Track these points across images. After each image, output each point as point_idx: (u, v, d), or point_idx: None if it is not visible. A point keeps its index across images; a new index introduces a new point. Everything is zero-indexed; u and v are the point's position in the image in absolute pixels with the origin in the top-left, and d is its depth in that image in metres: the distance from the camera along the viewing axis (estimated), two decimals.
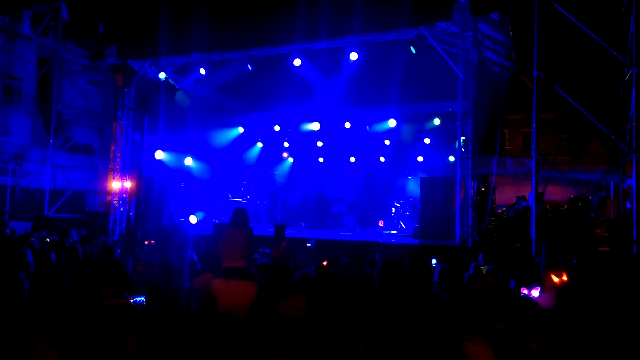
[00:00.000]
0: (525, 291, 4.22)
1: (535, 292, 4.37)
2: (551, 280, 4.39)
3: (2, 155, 16.29)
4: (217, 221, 14.91)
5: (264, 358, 3.52)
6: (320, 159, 20.43)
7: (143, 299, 4.61)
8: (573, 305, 3.55)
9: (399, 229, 16.61)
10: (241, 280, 5.45)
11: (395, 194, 18.06)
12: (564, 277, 4.42)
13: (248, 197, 18.43)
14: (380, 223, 17.00)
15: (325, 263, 6.97)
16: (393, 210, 17.41)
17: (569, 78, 12.03)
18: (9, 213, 15.75)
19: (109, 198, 16.19)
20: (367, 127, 18.20)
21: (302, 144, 20.03)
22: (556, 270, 4.48)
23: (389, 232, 16.15)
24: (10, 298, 3.77)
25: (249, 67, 14.02)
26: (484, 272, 6.18)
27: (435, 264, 5.52)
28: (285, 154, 20.81)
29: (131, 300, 4.60)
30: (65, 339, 2.75)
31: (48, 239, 9.65)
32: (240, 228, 6.19)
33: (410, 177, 18.17)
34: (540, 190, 10.44)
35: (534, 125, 10.14)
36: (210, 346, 3.58)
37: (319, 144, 19.81)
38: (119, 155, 14.97)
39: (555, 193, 13.83)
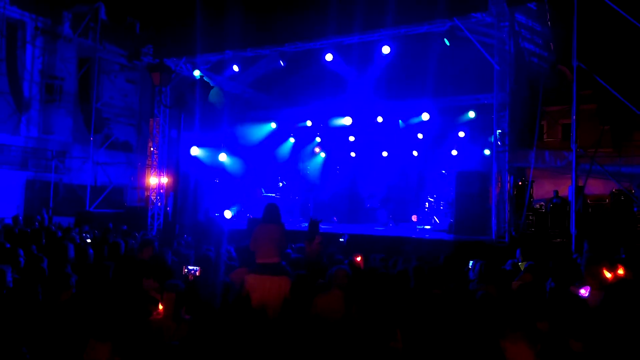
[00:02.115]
0: (583, 291, 4.07)
1: (583, 292, 4.22)
2: (601, 276, 4.22)
3: (46, 153, 16.93)
4: (251, 216, 15.10)
5: (299, 352, 3.56)
6: (353, 154, 20.39)
7: (196, 268, 4.78)
8: (620, 303, 3.43)
9: (433, 224, 16.43)
10: (274, 276, 5.51)
11: (428, 188, 17.87)
12: (620, 272, 4.24)
13: (279, 194, 18.57)
14: (414, 218, 16.86)
15: (359, 259, 6.96)
16: (427, 205, 17.23)
17: (610, 68, 11.60)
18: (52, 208, 16.37)
19: (146, 193, 16.61)
20: (400, 121, 18.03)
21: (334, 139, 20.02)
22: (609, 265, 4.31)
23: (422, 227, 16.00)
24: (59, 292, 3.93)
25: (281, 63, 14.10)
26: (522, 269, 6.06)
27: (471, 264, 5.43)
28: (317, 149, 20.85)
29: (185, 269, 4.78)
30: (114, 333, 2.86)
31: (89, 234, 10.00)
32: (272, 224, 6.24)
33: (444, 171, 17.93)
34: (580, 184, 10.14)
35: (574, 117, 9.84)
36: (245, 339, 3.65)
37: (351, 138, 19.77)
38: (155, 151, 15.32)
39: (596, 187, 13.42)
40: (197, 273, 4.58)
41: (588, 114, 14.31)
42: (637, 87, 11.26)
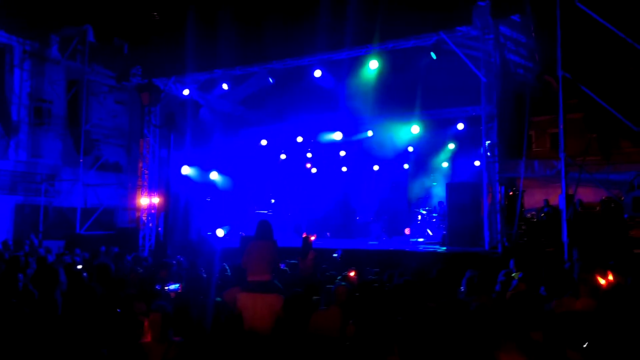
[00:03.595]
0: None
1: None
2: (594, 283, 4.22)
3: (35, 176, 16.77)
4: (244, 234, 15.02)
5: None
6: (344, 169, 20.42)
7: (177, 286, 4.73)
8: (615, 310, 3.43)
9: (426, 236, 16.42)
10: (266, 294, 5.45)
11: (420, 201, 17.89)
12: (610, 278, 4.25)
13: (271, 211, 18.53)
14: (407, 231, 16.84)
15: (353, 274, 6.92)
16: (419, 217, 17.24)
17: (595, 76, 11.77)
18: (42, 232, 16.17)
19: (137, 214, 16.47)
20: (391, 134, 18.12)
21: (325, 154, 20.06)
22: (601, 271, 4.32)
23: (416, 239, 15.98)
24: (46, 316, 3.86)
25: (270, 80, 14.17)
26: (516, 279, 6.05)
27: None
28: (308, 165, 20.87)
29: (166, 288, 4.72)
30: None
31: (79, 257, 9.87)
32: (264, 240, 6.20)
33: (435, 184, 17.99)
34: (570, 192, 10.20)
35: (561, 126, 9.93)
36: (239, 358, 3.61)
37: (342, 153, 19.81)
38: (146, 172, 15.24)
39: (586, 195, 13.49)
40: (179, 290, 4.56)
41: (575, 123, 14.45)
42: (622, 95, 11.41)
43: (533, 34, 11.91)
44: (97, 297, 4.42)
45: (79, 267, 7.87)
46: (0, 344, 3.52)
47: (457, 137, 17.17)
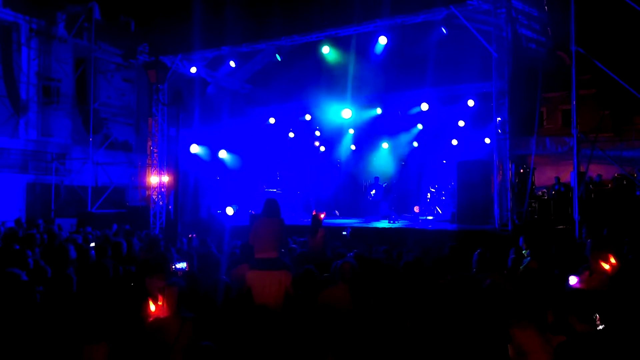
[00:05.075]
0: (574, 280, 4.02)
1: (573, 282, 4.17)
2: (601, 266, 4.18)
3: (46, 155, 16.90)
4: (253, 212, 15.09)
5: (307, 347, 3.54)
6: (353, 147, 20.32)
7: (184, 265, 4.78)
8: (626, 288, 3.40)
9: (436, 215, 16.39)
10: (275, 271, 5.46)
11: (430, 179, 17.82)
12: (612, 261, 4.19)
13: (280, 189, 18.57)
14: (416, 209, 16.82)
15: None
16: (428, 195, 17.19)
17: (609, 51, 11.54)
18: (54, 210, 16.36)
19: (148, 192, 16.59)
20: (399, 112, 17.95)
21: (334, 132, 19.94)
22: (603, 255, 4.25)
23: (425, 217, 15.97)
24: (60, 292, 3.91)
25: (278, 57, 14.03)
26: (526, 256, 6.03)
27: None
28: (317, 143, 20.79)
29: (173, 267, 4.78)
30: (109, 333, 2.83)
31: (91, 235, 10.00)
32: (271, 218, 6.19)
33: (445, 161, 17.88)
34: (582, 169, 10.10)
35: (574, 102, 9.78)
36: (251, 334, 3.64)
37: (351, 131, 19.69)
38: (155, 150, 15.28)
39: (598, 172, 13.38)
40: (186, 269, 4.58)
41: (588, 99, 14.27)
42: (637, 70, 11.19)
43: (546, 7, 11.65)
44: (108, 274, 4.47)
45: (92, 244, 7.96)
46: (15, 322, 3.58)
47: (468, 114, 16.95)
